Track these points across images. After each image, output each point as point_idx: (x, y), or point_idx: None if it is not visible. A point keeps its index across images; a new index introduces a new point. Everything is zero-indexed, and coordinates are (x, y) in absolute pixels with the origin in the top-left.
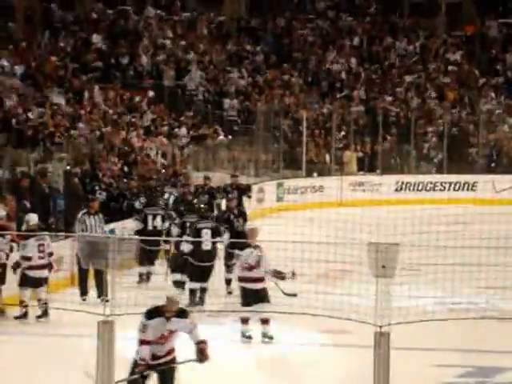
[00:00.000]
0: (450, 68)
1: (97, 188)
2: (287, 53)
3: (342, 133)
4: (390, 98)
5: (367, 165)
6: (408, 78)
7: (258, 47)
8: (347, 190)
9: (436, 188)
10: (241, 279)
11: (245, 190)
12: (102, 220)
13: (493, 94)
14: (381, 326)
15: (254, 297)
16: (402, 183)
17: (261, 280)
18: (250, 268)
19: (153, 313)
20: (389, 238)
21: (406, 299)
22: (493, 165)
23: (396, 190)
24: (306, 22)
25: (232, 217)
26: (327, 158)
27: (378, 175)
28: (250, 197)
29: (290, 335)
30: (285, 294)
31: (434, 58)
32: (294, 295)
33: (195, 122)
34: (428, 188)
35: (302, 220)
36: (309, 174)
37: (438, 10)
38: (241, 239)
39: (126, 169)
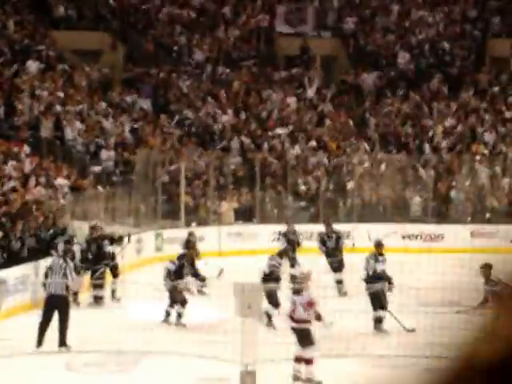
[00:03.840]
0: (325, 120)
1: None
2: (165, 104)
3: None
4: (266, 149)
5: (245, 215)
6: (284, 129)
7: (137, 98)
8: (226, 240)
9: (312, 237)
10: None
11: (113, 240)
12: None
13: (366, 146)
14: (247, 365)
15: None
16: (279, 233)
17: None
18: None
19: None
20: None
21: (273, 343)
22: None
23: (273, 239)
24: (183, 74)
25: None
26: (206, 208)
27: (256, 225)
28: (121, 247)
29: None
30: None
31: (310, 110)
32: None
33: (73, 173)
34: (304, 237)
35: None
36: (188, 224)
37: (312, 62)
38: None
39: (4, 220)
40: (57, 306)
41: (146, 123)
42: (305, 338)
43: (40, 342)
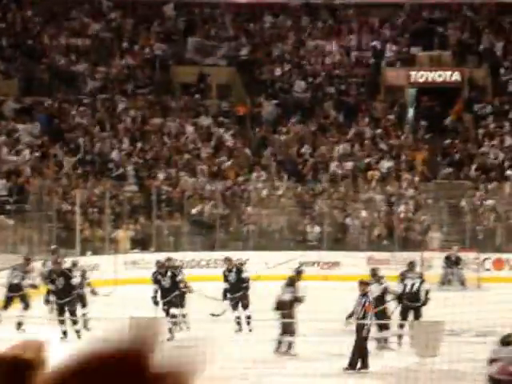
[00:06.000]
0: (222, 147)
1: None
2: (59, 133)
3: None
4: (162, 177)
5: (141, 243)
6: (181, 158)
7: (31, 127)
8: (121, 269)
9: (209, 265)
10: None
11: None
12: None
13: (263, 174)
14: None
15: None
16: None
17: None
18: None
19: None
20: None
21: None
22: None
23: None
24: (77, 103)
25: None
26: (101, 236)
27: (152, 253)
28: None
29: None
30: None
31: (205, 138)
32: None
33: None
34: (201, 265)
35: None
36: (83, 253)
37: (208, 90)
38: None
39: None
40: None
41: (40, 152)
42: None
43: None
